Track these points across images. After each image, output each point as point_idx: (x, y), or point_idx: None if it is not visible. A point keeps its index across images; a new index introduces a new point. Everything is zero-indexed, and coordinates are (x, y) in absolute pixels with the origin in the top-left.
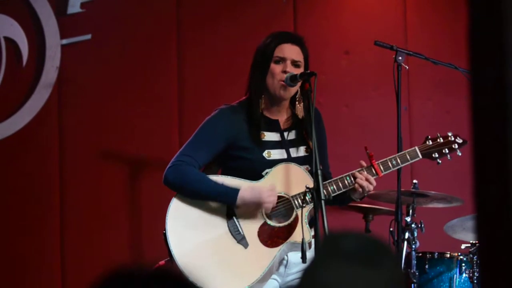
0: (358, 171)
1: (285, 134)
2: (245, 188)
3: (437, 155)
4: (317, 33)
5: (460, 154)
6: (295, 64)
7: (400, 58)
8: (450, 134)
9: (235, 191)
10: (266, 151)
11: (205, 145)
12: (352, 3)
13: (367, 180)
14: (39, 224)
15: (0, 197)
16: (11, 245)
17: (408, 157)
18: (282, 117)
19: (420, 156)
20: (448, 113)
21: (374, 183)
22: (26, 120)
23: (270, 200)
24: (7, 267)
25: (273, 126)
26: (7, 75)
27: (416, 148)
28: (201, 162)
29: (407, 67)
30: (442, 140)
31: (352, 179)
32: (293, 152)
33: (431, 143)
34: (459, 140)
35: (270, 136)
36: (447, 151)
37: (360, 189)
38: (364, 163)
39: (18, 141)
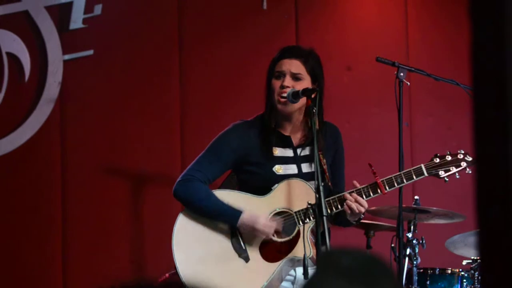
0: (349, 193)
1: (298, 150)
2: (246, 214)
3: (443, 174)
4: (319, 49)
5: (470, 172)
6: (294, 77)
7: (401, 74)
8: (461, 151)
9: (237, 215)
10: (276, 166)
11: (217, 160)
12: (354, 19)
13: (356, 201)
14: (41, 238)
15: (2, 211)
16: (13, 257)
17: (413, 174)
18: (296, 134)
19: (426, 174)
20: (450, 129)
21: (365, 204)
22: (29, 135)
23: (265, 232)
24: (10, 279)
25: (286, 142)
26: (9, 90)
27: (422, 165)
28: (212, 176)
29: (409, 83)
30: (450, 158)
31: (341, 200)
32: (305, 168)
33: (438, 160)
34: (469, 158)
35: (282, 151)
36: (454, 170)
37: (349, 211)
38: (357, 184)
39: (21, 156)
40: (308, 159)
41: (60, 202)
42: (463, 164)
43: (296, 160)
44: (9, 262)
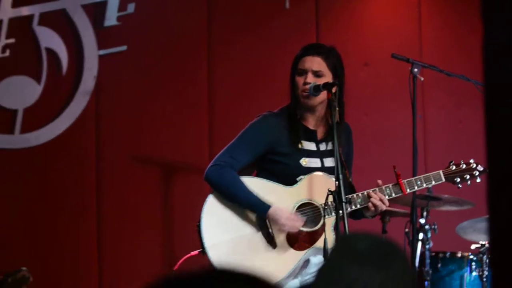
0: (373, 191)
1: (321, 144)
2: (273, 209)
3: (458, 180)
4: (338, 46)
5: (479, 180)
6: (316, 74)
7: (415, 70)
8: (472, 161)
9: (265, 209)
10: (303, 159)
11: (247, 147)
12: (371, 19)
13: (381, 200)
14: (77, 224)
15: (40, 198)
16: (50, 244)
17: (432, 179)
18: (319, 128)
19: (443, 180)
20: (461, 123)
21: (387, 203)
22: (66, 125)
23: (290, 226)
24: (47, 266)
25: (311, 136)
26: (48, 83)
27: (441, 172)
28: (242, 163)
29: (422, 79)
30: (464, 167)
31: (366, 197)
32: (327, 162)
33: (454, 168)
34: (480, 168)
35: (307, 145)
36: (468, 177)
37: (373, 208)
38: (381, 182)
39: (58, 145)
40: (329, 154)
41: (94, 189)
42: (476, 173)
43: (319, 154)
44: (45, 247)
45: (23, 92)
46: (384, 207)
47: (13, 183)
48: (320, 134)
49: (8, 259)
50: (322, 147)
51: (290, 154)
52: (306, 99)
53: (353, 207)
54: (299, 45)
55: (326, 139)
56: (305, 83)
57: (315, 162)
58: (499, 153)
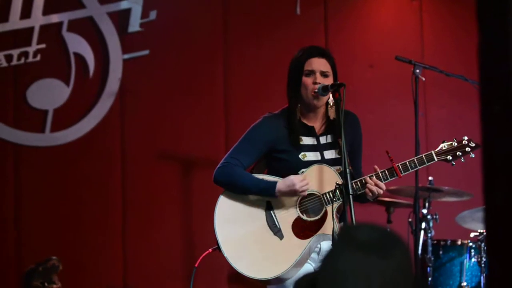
0: (369, 177)
1: (321, 138)
2: (281, 181)
3: (451, 158)
4: (345, 49)
5: (473, 156)
6: (323, 74)
7: (417, 71)
8: (465, 138)
9: (273, 184)
10: (302, 153)
11: (249, 148)
12: (376, 24)
13: (376, 185)
14: (103, 216)
15: (68, 193)
16: (78, 236)
17: (425, 160)
18: (317, 123)
19: (436, 159)
20: (460, 119)
21: (383, 187)
22: (92, 125)
23: (302, 186)
24: (75, 256)
25: (310, 131)
26: (76, 85)
27: (433, 152)
28: (246, 163)
29: (424, 79)
30: (456, 144)
31: (363, 183)
32: (327, 155)
33: (446, 147)
34: (472, 144)
35: (306, 140)
36: (460, 154)
37: (370, 194)
38: (377, 168)
39: (86, 143)
40: (330, 146)
41: (120, 183)
42: (468, 149)
43: (319, 147)
44: (75, 241)
45: (53, 93)
46: (380, 191)
47: (43, 178)
48: (318, 128)
49: (39, 249)
50: (323, 140)
51: (290, 150)
52: (315, 99)
53: (355, 192)
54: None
55: (325, 132)
56: (315, 83)
57: (314, 156)
58: (494, 147)
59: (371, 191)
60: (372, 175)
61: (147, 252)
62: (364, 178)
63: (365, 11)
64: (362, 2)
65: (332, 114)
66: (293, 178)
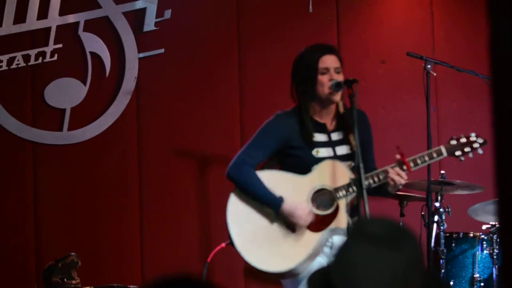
0: (391, 167)
1: (332, 135)
2: (286, 204)
3: (460, 153)
4: (357, 45)
5: (481, 152)
6: (336, 71)
7: (429, 66)
8: (473, 134)
9: (278, 204)
10: (315, 150)
11: (263, 145)
12: (387, 20)
13: (398, 174)
14: (121, 213)
15: (87, 190)
16: (96, 233)
17: (434, 154)
18: (329, 120)
19: (445, 154)
20: (471, 113)
21: (405, 177)
22: (109, 122)
23: (302, 221)
24: (93, 252)
25: (322, 128)
26: (93, 84)
27: (442, 147)
28: (259, 160)
29: (435, 74)
30: (465, 140)
31: (385, 174)
32: (339, 150)
33: (455, 142)
34: (480, 140)
35: (318, 137)
36: (469, 150)
37: (392, 182)
38: (399, 156)
39: (103, 141)
40: (340, 142)
41: (137, 180)
42: (476, 145)
43: (331, 143)
44: (93, 237)
45: (70, 92)
46: (402, 181)
47: (62, 175)
48: (329, 125)
49: (58, 246)
50: (334, 137)
51: (303, 147)
52: (332, 95)
53: (376, 182)
54: None
55: (337, 129)
56: (332, 80)
57: (327, 152)
58: (506, 141)
59: (393, 180)
60: (395, 165)
61: (164, 248)
62: (386, 168)
63: (376, 8)
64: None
65: (341, 107)
66: (301, 213)
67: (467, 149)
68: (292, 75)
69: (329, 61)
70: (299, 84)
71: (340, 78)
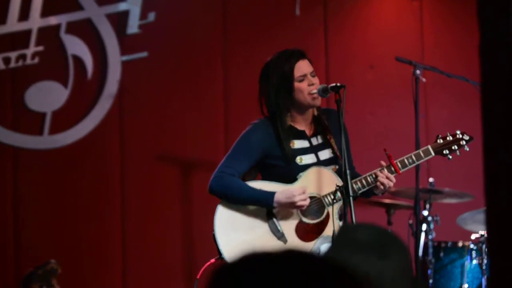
0: (379, 170)
1: (312, 139)
2: (279, 192)
3: (447, 152)
4: (345, 50)
5: (467, 149)
6: (312, 75)
7: (418, 71)
8: (458, 132)
9: (271, 195)
10: (298, 157)
11: (243, 156)
12: (376, 24)
13: (387, 178)
14: (102, 219)
15: (68, 196)
16: (77, 239)
17: (422, 155)
18: (307, 126)
19: (433, 154)
20: (461, 119)
21: (394, 180)
22: (91, 127)
23: (301, 201)
24: (73, 264)
25: (301, 135)
26: (74, 87)
27: (429, 146)
28: (241, 171)
29: (424, 80)
30: (451, 138)
31: (374, 177)
32: (322, 155)
33: (441, 141)
34: (466, 137)
35: (299, 143)
36: (456, 148)
37: (382, 186)
38: (384, 163)
39: (84, 146)
40: (321, 147)
41: (119, 186)
42: (463, 142)
43: (313, 149)
44: (73, 244)
45: (51, 96)
46: (391, 184)
47: (42, 181)
48: (308, 131)
49: (38, 252)
50: (314, 141)
51: (284, 156)
52: (315, 100)
53: (365, 185)
54: (309, 49)
55: (315, 133)
56: (311, 84)
57: (310, 158)
58: (495, 147)
59: (382, 183)
60: (383, 168)
61: (146, 255)
62: (374, 172)
63: (365, 12)
64: (362, 3)
65: (315, 111)
66: (293, 190)
67: (454, 147)
68: (262, 86)
69: (303, 67)
70: (273, 95)
71: (316, 81)
